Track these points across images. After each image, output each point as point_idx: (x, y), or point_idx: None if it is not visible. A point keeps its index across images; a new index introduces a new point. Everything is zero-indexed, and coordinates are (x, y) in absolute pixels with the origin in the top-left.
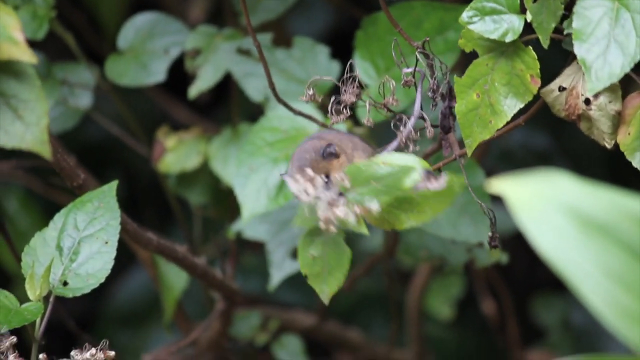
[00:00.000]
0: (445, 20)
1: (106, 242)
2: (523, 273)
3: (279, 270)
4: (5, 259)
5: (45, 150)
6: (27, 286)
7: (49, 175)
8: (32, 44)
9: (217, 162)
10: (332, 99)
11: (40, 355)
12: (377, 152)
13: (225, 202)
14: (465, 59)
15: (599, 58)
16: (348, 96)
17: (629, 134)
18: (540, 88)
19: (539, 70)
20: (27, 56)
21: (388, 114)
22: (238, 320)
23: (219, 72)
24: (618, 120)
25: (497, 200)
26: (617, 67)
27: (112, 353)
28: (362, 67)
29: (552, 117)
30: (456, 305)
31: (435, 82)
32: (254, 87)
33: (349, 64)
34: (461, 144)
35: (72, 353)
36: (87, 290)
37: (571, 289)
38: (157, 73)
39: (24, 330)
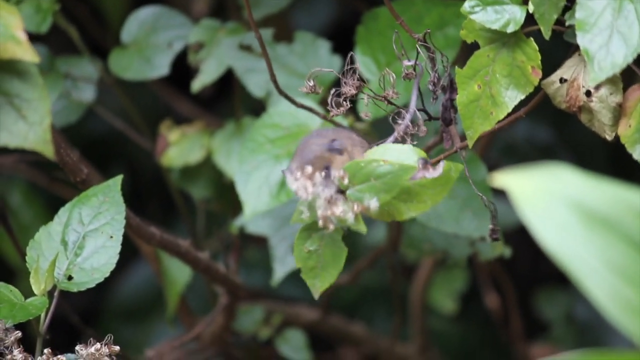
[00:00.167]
0: (446, 16)
1: (111, 237)
2: (527, 267)
3: (282, 265)
4: (9, 252)
5: (48, 149)
6: (32, 280)
7: (52, 169)
8: (36, 37)
9: (220, 156)
10: (332, 91)
11: (45, 350)
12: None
13: (228, 196)
14: (466, 54)
15: (602, 48)
16: (348, 88)
17: (629, 126)
18: (541, 79)
19: (540, 62)
20: (29, 55)
21: (389, 107)
22: (241, 315)
23: (222, 66)
24: (619, 112)
25: (500, 194)
26: (619, 57)
27: (117, 348)
28: (363, 62)
29: (555, 111)
30: (460, 299)
31: (436, 75)
32: (255, 83)
33: (349, 55)
34: (463, 137)
35: (77, 348)
36: (92, 285)
37: (575, 283)
38: (161, 67)
39: (29, 324)
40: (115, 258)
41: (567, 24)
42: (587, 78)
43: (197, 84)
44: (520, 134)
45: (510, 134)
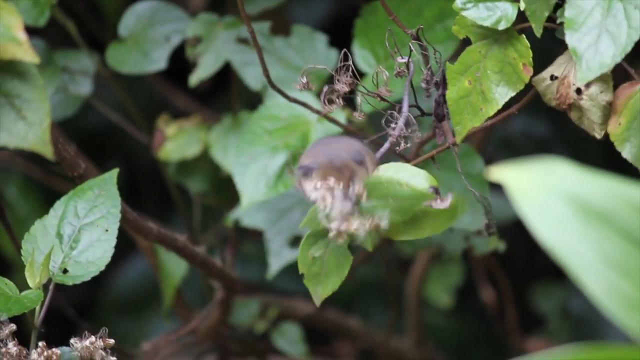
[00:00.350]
0: (445, 9)
1: (106, 230)
2: (522, 261)
3: (278, 259)
4: (5, 246)
5: (47, 150)
6: (27, 274)
7: (49, 163)
8: (33, 31)
9: (217, 150)
10: (325, 88)
11: (40, 343)
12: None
13: (226, 190)
14: (465, 47)
15: (590, 48)
16: (341, 86)
17: (619, 124)
18: (532, 76)
19: (531, 59)
20: (30, 56)
21: (382, 104)
22: (237, 309)
23: (220, 60)
24: (609, 110)
25: (496, 187)
26: (608, 57)
27: (112, 341)
28: (361, 55)
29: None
30: (455, 293)
31: (429, 72)
32: (252, 76)
33: (342, 52)
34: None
35: (72, 341)
36: (87, 278)
37: (571, 277)
38: (158, 61)
39: (24, 317)
40: (110, 251)
41: (558, 21)
42: (577, 75)
43: (195, 78)
44: (516, 128)
45: (506, 128)
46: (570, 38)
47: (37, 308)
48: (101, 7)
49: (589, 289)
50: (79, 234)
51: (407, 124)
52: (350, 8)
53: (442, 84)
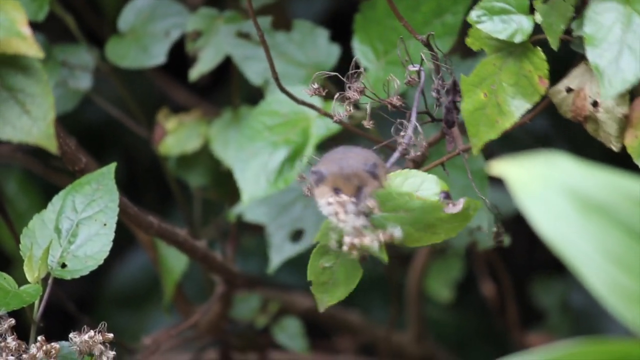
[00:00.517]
0: (443, 4)
1: (104, 224)
2: (523, 255)
3: (279, 253)
4: (5, 240)
5: (51, 144)
6: (25, 268)
7: (49, 158)
8: (33, 25)
9: (217, 144)
10: (336, 95)
11: (39, 338)
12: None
13: (225, 185)
14: (463, 43)
15: (611, 64)
16: (352, 93)
17: (636, 137)
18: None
19: (547, 72)
20: (34, 51)
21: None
22: (238, 303)
23: (220, 54)
24: (625, 123)
25: (498, 182)
26: (630, 73)
27: (111, 335)
28: (361, 50)
29: (551, 101)
30: (456, 287)
31: (440, 82)
32: (253, 71)
33: (354, 60)
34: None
35: (71, 335)
36: (85, 272)
37: (571, 271)
38: (158, 55)
39: (23, 312)
40: (108, 246)
41: (574, 34)
42: (593, 88)
43: (195, 72)
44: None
45: None
46: (591, 54)
47: (36, 302)
48: (100, 2)
49: (589, 283)
50: (77, 229)
51: (416, 132)
52: (349, 3)
53: (452, 90)
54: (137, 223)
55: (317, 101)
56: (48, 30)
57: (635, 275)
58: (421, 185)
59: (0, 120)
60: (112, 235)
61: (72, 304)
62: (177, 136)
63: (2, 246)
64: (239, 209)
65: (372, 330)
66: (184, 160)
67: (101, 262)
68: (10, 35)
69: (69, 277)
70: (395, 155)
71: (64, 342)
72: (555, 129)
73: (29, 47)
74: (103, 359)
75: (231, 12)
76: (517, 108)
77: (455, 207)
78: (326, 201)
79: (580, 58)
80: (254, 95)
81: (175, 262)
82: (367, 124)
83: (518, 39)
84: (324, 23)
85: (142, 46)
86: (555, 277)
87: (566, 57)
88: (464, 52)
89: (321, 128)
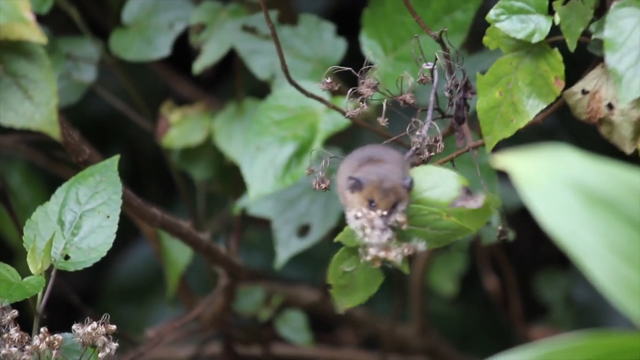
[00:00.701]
0: (453, 1)
1: (108, 216)
2: (527, 249)
3: (286, 248)
4: (8, 232)
5: (54, 130)
6: (28, 260)
7: (52, 149)
8: (37, 18)
9: (221, 137)
10: (349, 91)
11: (42, 329)
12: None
13: (229, 178)
14: (473, 39)
15: (630, 69)
16: (365, 89)
17: None
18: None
19: (563, 73)
20: (37, 36)
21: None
22: (242, 296)
23: (224, 47)
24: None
25: (502, 175)
26: None
27: (114, 327)
28: (369, 45)
29: (563, 100)
30: (459, 281)
31: (454, 81)
32: (260, 65)
33: (367, 57)
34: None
35: (74, 327)
36: (88, 264)
37: (575, 264)
38: (162, 48)
39: (26, 304)
40: (112, 238)
41: (593, 37)
42: (609, 91)
43: (199, 65)
44: None
45: None
46: (610, 58)
47: (39, 294)
48: None
49: (594, 276)
50: (81, 220)
51: (432, 131)
52: None
53: (463, 87)
54: (140, 215)
55: (325, 96)
56: (52, 22)
57: (639, 268)
58: (440, 181)
59: (2, 105)
60: (115, 228)
61: (75, 295)
62: (181, 129)
63: (6, 238)
64: (244, 203)
65: (376, 324)
66: (187, 153)
67: (104, 254)
68: (13, 20)
69: (72, 269)
70: (409, 153)
71: (67, 334)
72: (560, 122)
73: (32, 32)
74: (106, 350)
75: (235, 5)
76: (532, 108)
77: (476, 202)
78: (354, 215)
79: (597, 60)
80: (258, 88)
81: (179, 254)
82: (382, 121)
83: (536, 39)
84: (329, 17)
85: (146, 39)
86: (559, 271)
87: (579, 58)
88: (470, 47)
89: (329, 123)
